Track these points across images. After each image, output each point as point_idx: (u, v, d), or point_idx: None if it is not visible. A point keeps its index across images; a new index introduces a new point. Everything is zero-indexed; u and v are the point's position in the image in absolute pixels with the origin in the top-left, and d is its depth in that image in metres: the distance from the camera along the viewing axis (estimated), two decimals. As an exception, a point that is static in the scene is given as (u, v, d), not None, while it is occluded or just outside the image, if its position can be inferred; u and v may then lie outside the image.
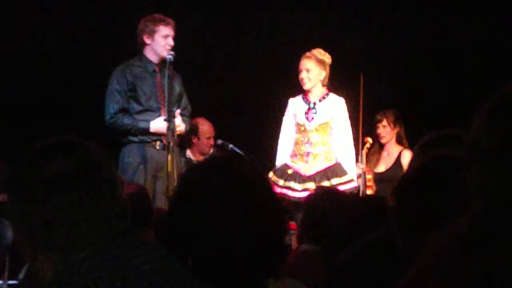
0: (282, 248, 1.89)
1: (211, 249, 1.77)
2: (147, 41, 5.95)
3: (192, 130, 6.99)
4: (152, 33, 5.92)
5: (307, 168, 6.27)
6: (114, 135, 5.95)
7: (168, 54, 5.83)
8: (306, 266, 3.69)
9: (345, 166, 6.28)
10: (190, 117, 6.26)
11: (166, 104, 5.75)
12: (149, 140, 5.89)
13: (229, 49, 7.86)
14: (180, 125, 5.88)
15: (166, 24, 5.92)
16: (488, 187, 1.32)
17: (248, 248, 1.77)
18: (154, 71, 5.97)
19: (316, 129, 6.31)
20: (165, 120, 5.72)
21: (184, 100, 6.15)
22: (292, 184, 6.24)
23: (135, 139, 5.90)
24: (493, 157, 1.33)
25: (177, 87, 6.04)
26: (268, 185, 1.90)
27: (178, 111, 5.88)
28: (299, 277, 3.57)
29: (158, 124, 5.83)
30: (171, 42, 5.90)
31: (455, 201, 1.60)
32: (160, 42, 5.91)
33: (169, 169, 5.53)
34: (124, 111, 5.92)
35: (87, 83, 7.13)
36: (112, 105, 5.91)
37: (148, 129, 5.86)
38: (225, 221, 1.77)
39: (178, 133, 5.84)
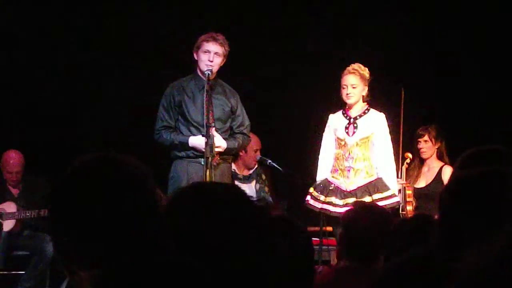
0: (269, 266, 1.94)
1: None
2: (195, 56, 6.02)
3: None
4: (197, 49, 5.99)
5: (348, 183, 6.24)
6: (166, 152, 6.06)
7: (206, 70, 5.87)
8: (344, 283, 3.67)
9: (386, 181, 6.24)
10: (246, 134, 6.26)
11: (204, 120, 5.80)
12: (193, 155, 5.94)
13: (272, 65, 7.88)
14: (220, 145, 5.91)
15: (209, 40, 5.96)
16: None
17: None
18: (203, 87, 5.99)
19: (357, 144, 6.29)
20: (202, 135, 5.76)
21: (240, 118, 6.17)
22: (333, 199, 6.22)
23: (182, 154, 5.98)
24: None
25: (227, 104, 6.07)
26: (255, 211, 1.97)
27: (213, 129, 5.91)
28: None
29: (197, 140, 5.87)
30: (211, 57, 5.92)
31: (497, 216, 1.58)
32: (202, 58, 5.96)
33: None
34: (168, 127, 6.03)
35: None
36: (158, 121, 6.08)
37: (186, 143, 5.93)
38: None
39: (217, 151, 5.87)
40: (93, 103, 7.68)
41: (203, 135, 5.78)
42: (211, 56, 5.93)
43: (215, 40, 5.95)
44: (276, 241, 2.04)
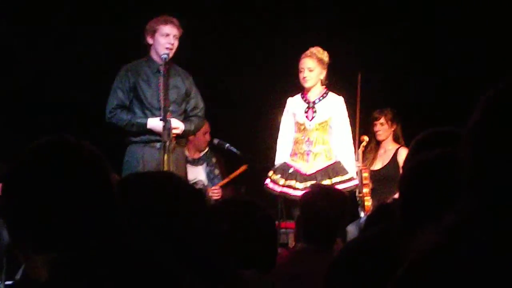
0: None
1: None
2: (150, 41, 5.94)
3: None
4: (153, 33, 5.90)
5: (308, 166, 6.26)
6: (117, 135, 5.97)
7: (163, 53, 5.82)
8: (301, 264, 3.70)
9: (345, 164, 6.28)
10: (201, 117, 6.22)
11: (161, 103, 5.76)
12: (148, 140, 5.88)
13: (228, 47, 7.86)
14: (177, 126, 5.87)
15: (166, 22, 5.88)
16: (473, 173, 1.33)
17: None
18: (158, 71, 5.95)
19: (316, 128, 6.31)
20: (160, 119, 5.72)
21: (195, 100, 6.12)
22: (293, 183, 6.24)
23: (136, 139, 5.89)
24: (482, 142, 1.34)
25: (182, 87, 6.03)
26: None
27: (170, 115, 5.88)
28: (293, 275, 3.59)
29: (155, 122, 5.81)
30: (171, 40, 5.86)
31: (453, 196, 1.61)
32: (160, 41, 5.87)
33: (165, 168, 5.54)
34: (123, 107, 5.93)
35: (95, 82, 7.14)
36: (112, 101, 5.94)
37: (145, 124, 5.84)
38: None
39: (175, 134, 5.83)
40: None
41: (161, 119, 5.73)
42: (171, 39, 5.88)
43: (173, 23, 5.90)
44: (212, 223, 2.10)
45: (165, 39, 5.87)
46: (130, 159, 5.89)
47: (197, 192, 2.13)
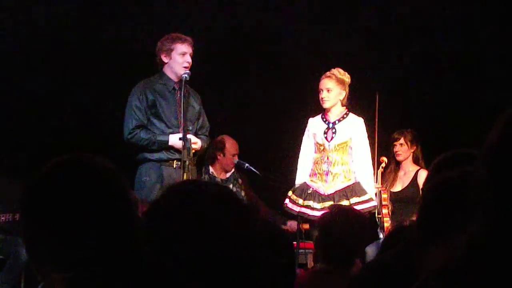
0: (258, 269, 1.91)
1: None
2: (165, 59, 5.96)
3: (218, 147, 7.03)
4: (169, 52, 5.93)
5: (326, 187, 6.26)
6: (132, 154, 5.96)
7: (184, 73, 5.85)
8: (320, 285, 3.68)
9: (364, 185, 6.27)
10: (208, 136, 6.26)
11: (182, 122, 5.78)
12: (166, 158, 5.88)
13: (251, 69, 7.87)
14: (196, 141, 5.88)
15: (183, 41, 5.93)
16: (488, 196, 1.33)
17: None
18: (174, 89, 5.98)
19: (335, 149, 6.31)
20: (180, 139, 5.73)
21: (202, 119, 6.15)
22: (311, 203, 6.23)
23: (152, 157, 5.89)
24: (499, 163, 1.33)
25: (196, 106, 6.06)
26: (247, 209, 1.92)
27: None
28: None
29: (176, 139, 5.81)
30: (188, 59, 5.91)
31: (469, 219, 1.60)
32: (178, 60, 5.91)
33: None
34: (143, 127, 5.92)
35: (106, 102, 7.17)
36: (131, 121, 5.91)
37: (167, 142, 5.84)
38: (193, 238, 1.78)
39: (194, 150, 5.84)
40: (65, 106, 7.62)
41: (180, 138, 5.75)
42: (188, 57, 5.91)
43: (189, 41, 5.93)
44: (263, 247, 2.01)
45: (183, 58, 5.91)
46: (147, 178, 5.87)
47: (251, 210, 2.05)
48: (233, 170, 7.28)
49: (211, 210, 1.86)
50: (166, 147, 5.86)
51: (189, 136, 5.82)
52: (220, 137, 7.03)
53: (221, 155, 7.14)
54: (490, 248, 1.29)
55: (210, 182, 2.06)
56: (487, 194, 1.33)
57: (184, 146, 5.71)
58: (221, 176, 7.26)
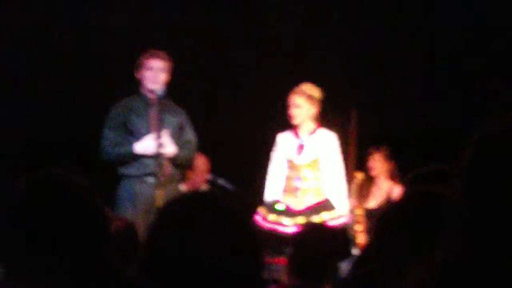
0: (258, 283, 1.87)
1: (187, 282, 1.74)
2: (137, 75, 5.95)
3: None
4: (139, 68, 5.93)
5: (297, 203, 6.25)
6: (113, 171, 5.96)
7: (156, 88, 5.82)
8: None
9: (335, 201, 6.26)
10: (194, 150, 6.17)
11: (152, 140, 5.74)
12: (138, 174, 5.84)
13: (220, 82, 7.88)
14: (170, 150, 5.84)
15: (149, 56, 5.90)
16: (462, 216, 1.34)
17: (224, 282, 1.74)
18: (148, 105, 5.94)
19: (308, 165, 6.30)
20: (155, 156, 5.70)
21: (188, 135, 6.08)
22: (282, 219, 6.22)
23: (127, 173, 5.85)
24: (471, 184, 1.35)
25: (175, 121, 6.01)
26: (244, 223, 1.86)
27: (165, 131, 5.82)
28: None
29: (142, 145, 5.77)
30: (155, 73, 5.88)
31: (430, 237, 1.62)
32: (146, 75, 5.88)
33: (158, 204, 5.51)
34: (112, 144, 5.88)
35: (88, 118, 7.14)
36: (102, 142, 5.88)
37: (131, 152, 5.78)
38: (199, 255, 1.74)
39: (168, 155, 5.80)
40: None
41: (155, 155, 5.72)
42: (155, 72, 5.88)
43: (157, 56, 5.92)
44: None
45: (150, 72, 5.88)
46: (122, 194, 5.83)
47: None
48: (204, 186, 7.26)
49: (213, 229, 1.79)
50: (135, 157, 5.79)
51: (165, 139, 5.79)
52: None
53: (191, 172, 7.14)
54: (463, 267, 1.30)
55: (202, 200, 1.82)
56: (460, 215, 1.35)
57: (157, 161, 5.69)
58: None
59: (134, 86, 6.03)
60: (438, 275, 1.32)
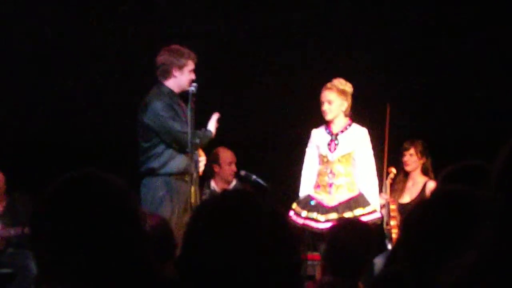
0: (296, 280, 1.86)
1: (224, 283, 1.74)
2: (176, 73, 5.95)
3: (213, 159, 7.03)
4: (182, 67, 5.95)
5: (330, 199, 6.24)
6: (138, 167, 5.95)
7: (191, 86, 5.86)
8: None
9: (368, 196, 6.25)
10: None
11: (189, 136, 5.74)
12: (176, 171, 5.87)
13: (253, 79, 7.88)
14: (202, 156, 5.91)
15: (194, 59, 5.97)
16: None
17: (261, 281, 1.74)
18: (178, 103, 5.99)
19: (339, 160, 6.29)
20: (187, 151, 5.74)
21: None
22: (315, 215, 6.21)
23: (161, 170, 5.87)
24: (507, 184, 1.34)
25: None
26: (280, 220, 1.85)
27: (215, 115, 5.99)
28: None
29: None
30: (193, 76, 5.96)
31: (460, 237, 1.61)
32: (188, 76, 5.95)
33: (193, 200, 5.54)
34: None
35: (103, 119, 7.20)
36: (181, 126, 5.81)
37: (210, 132, 5.98)
38: (235, 255, 1.73)
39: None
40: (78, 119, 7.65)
41: (187, 151, 5.75)
42: (193, 74, 5.96)
43: (196, 59, 5.99)
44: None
45: (192, 74, 5.95)
46: (158, 192, 5.82)
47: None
48: (234, 181, 7.27)
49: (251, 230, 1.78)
50: (207, 140, 5.94)
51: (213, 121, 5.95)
52: (215, 150, 7.04)
53: (218, 167, 7.17)
54: (499, 266, 1.29)
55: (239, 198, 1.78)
56: (496, 213, 1.34)
57: (191, 158, 5.73)
58: (223, 187, 7.26)
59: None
60: (474, 274, 1.32)
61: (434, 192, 2.09)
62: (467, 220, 1.60)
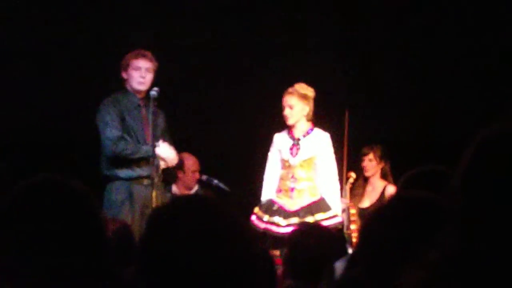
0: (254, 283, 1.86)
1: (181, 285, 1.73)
2: (124, 75, 5.95)
3: (178, 165, 7.01)
4: (127, 67, 5.93)
5: (292, 203, 6.26)
6: (101, 171, 5.92)
7: (152, 90, 5.83)
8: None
9: (329, 201, 6.27)
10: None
11: (151, 139, 5.75)
12: (136, 176, 5.85)
13: (215, 85, 7.87)
14: (168, 156, 5.87)
15: (137, 56, 5.92)
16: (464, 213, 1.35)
17: (219, 284, 1.74)
18: (139, 105, 5.97)
19: (301, 165, 6.31)
20: (149, 156, 5.72)
21: (168, 136, 6.14)
22: (276, 219, 6.23)
23: (122, 174, 5.85)
24: (471, 184, 1.36)
25: (161, 123, 6.05)
26: (240, 225, 1.84)
27: (160, 141, 5.87)
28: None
29: (165, 150, 5.85)
30: (142, 74, 5.89)
31: (419, 242, 1.63)
32: (133, 75, 5.91)
33: (154, 205, 5.53)
34: (123, 138, 5.88)
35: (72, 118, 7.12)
36: (112, 132, 5.83)
37: (152, 153, 5.75)
38: (191, 258, 1.74)
39: (170, 164, 5.83)
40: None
41: (150, 156, 5.74)
42: (142, 72, 5.90)
43: (145, 56, 5.92)
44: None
45: (137, 72, 5.89)
46: (118, 196, 5.82)
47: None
48: (196, 187, 7.27)
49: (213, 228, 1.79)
50: (147, 157, 5.79)
51: (161, 144, 5.82)
52: (180, 155, 7.01)
53: (181, 173, 7.14)
54: (462, 263, 1.31)
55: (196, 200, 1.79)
56: (458, 213, 1.36)
57: (152, 163, 5.71)
58: (184, 193, 7.24)
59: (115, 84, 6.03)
60: (438, 273, 1.33)
61: (393, 197, 2.11)
62: (426, 225, 1.62)
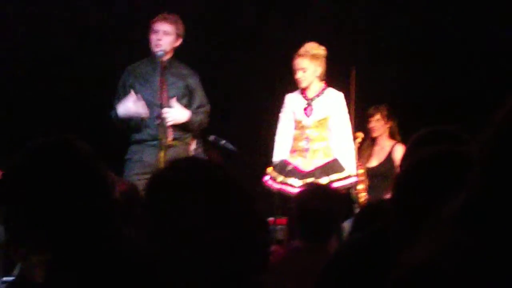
0: (260, 250, 1.88)
1: (186, 248, 1.74)
2: (148, 37, 5.98)
3: None
4: (149, 31, 5.95)
5: (306, 164, 6.21)
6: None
7: (159, 51, 5.82)
8: (296, 262, 3.70)
9: (343, 161, 6.23)
10: (207, 114, 6.22)
11: (157, 100, 5.80)
12: (147, 138, 5.90)
13: (225, 45, 7.83)
14: (176, 117, 5.86)
15: (157, 19, 5.93)
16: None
17: (223, 249, 1.74)
18: (154, 70, 5.97)
19: (315, 125, 6.27)
20: (156, 116, 5.74)
21: (199, 99, 6.12)
22: (291, 180, 6.18)
23: (136, 137, 5.96)
24: (494, 162, 1.32)
25: (182, 83, 6.02)
26: (241, 189, 1.85)
27: (173, 100, 5.88)
28: (288, 273, 3.59)
29: (125, 106, 5.87)
30: (159, 36, 5.88)
31: (451, 191, 1.60)
32: (151, 38, 5.93)
33: (162, 166, 5.54)
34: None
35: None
36: (114, 102, 6.01)
37: (117, 115, 5.90)
38: (190, 219, 1.74)
39: (173, 123, 5.83)
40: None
41: (157, 116, 5.76)
42: (159, 35, 5.88)
43: (163, 19, 5.91)
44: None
45: (155, 35, 5.90)
46: (129, 157, 5.95)
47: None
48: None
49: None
50: (124, 120, 5.89)
51: (174, 104, 5.84)
52: None
53: None
54: (485, 204, 1.28)
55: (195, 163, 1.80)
56: (480, 176, 1.32)
57: (159, 124, 5.73)
58: None
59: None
60: (460, 213, 1.31)
61: (426, 151, 2.08)
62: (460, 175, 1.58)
